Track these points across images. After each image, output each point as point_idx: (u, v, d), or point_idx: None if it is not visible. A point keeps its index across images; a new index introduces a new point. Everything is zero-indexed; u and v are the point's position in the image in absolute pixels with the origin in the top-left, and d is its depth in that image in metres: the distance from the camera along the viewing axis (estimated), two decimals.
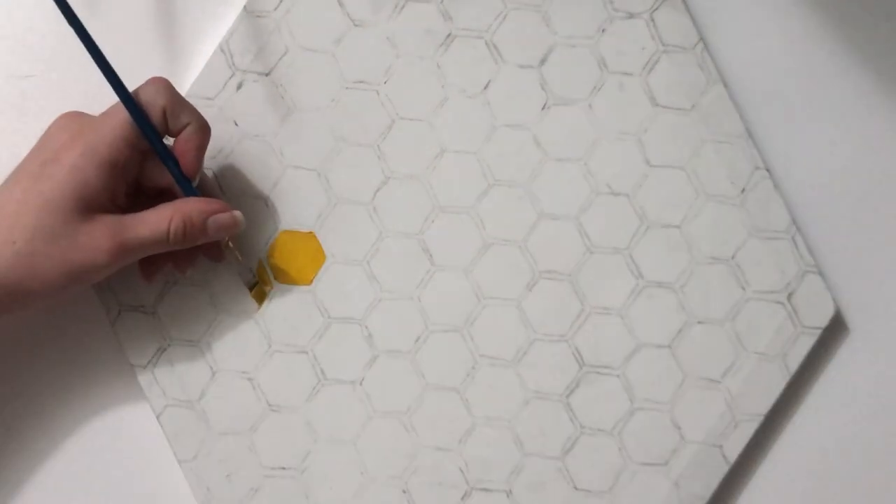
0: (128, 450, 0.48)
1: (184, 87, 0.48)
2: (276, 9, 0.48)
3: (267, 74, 0.48)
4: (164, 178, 0.44)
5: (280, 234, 0.48)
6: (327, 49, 0.48)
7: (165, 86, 0.43)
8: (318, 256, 0.48)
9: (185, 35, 0.49)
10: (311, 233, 0.48)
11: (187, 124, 0.44)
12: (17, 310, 0.42)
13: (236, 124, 0.48)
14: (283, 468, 0.47)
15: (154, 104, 0.43)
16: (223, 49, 0.48)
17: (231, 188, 0.48)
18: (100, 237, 0.41)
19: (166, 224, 0.42)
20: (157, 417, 0.47)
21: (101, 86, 0.49)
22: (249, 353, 0.47)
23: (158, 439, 0.48)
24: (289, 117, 0.48)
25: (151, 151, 0.44)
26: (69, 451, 0.48)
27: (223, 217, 0.44)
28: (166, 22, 0.49)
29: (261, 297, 0.47)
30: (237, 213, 0.45)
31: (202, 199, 0.44)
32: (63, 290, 0.42)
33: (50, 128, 0.43)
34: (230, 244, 0.46)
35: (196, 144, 0.44)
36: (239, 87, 0.48)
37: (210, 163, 0.48)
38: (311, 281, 0.48)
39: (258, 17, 0.48)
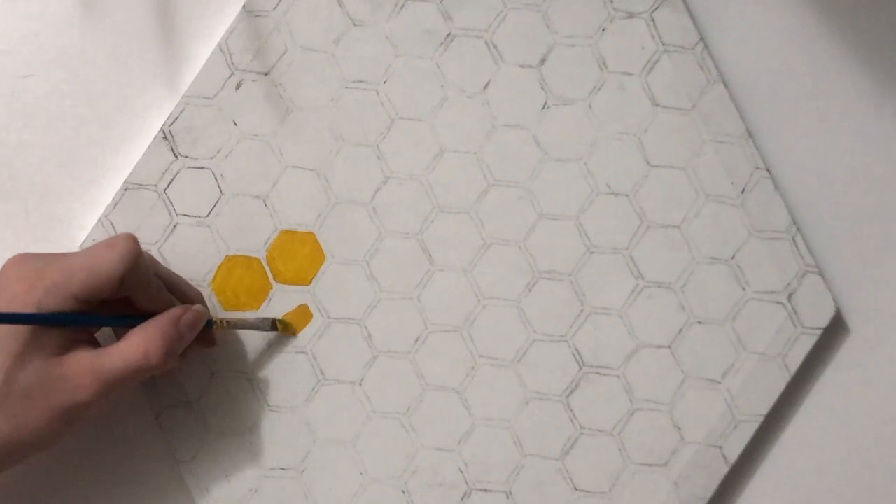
0: (127, 450, 0.48)
1: (182, 87, 0.48)
2: (275, 8, 0.48)
3: (266, 74, 0.48)
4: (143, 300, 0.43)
5: (279, 234, 0.48)
6: (327, 49, 0.48)
7: (127, 252, 0.41)
8: (318, 256, 0.48)
9: (183, 34, 0.49)
10: (310, 233, 0.48)
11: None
12: (13, 464, 0.41)
13: (235, 124, 0.48)
14: (283, 468, 0.47)
15: (113, 277, 0.41)
16: (222, 48, 0.48)
17: (230, 188, 0.48)
18: (79, 375, 0.40)
19: (142, 352, 0.41)
20: (156, 418, 0.47)
21: (101, 86, 0.49)
22: (248, 354, 0.47)
23: (157, 440, 0.48)
24: (288, 117, 0.48)
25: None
26: (69, 450, 0.48)
27: (189, 317, 0.43)
28: (165, 21, 0.49)
29: (290, 327, 0.47)
30: (198, 307, 0.44)
31: (163, 314, 0.42)
32: (57, 435, 0.41)
33: (0, 278, 0.41)
34: (224, 324, 0.46)
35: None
36: (238, 86, 0.48)
37: (209, 162, 0.47)
38: (311, 281, 0.48)
39: (257, 16, 0.48)
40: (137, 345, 0.41)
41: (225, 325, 0.46)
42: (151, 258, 0.45)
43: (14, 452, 0.40)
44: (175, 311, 0.43)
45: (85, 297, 0.41)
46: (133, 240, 0.42)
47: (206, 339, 0.46)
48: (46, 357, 0.40)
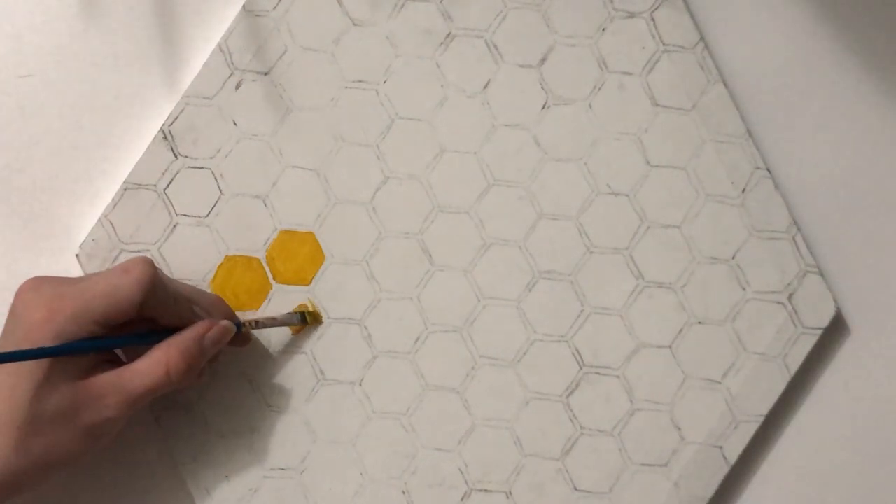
0: (127, 451, 0.48)
1: (182, 87, 0.48)
2: (275, 8, 0.48)
3: (266, 74, 0.48)
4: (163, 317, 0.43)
5: (279, 234, 0.48)
6: (326, 48, 0.48)
7: (144, 276, 0.41)
8: (318, 256, 0.48)
9: (183, 34, 0.49)
10: (310, 233, 0.48)
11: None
12: (43, 482, 0.41)
13: (235, 124, 0.48)
14: (283, 469, 0.47)
15: (132, 303, 0.41)
16: (222, 48, 0.48)
17: (230, 188, 0.48)
18: (104, 396, 0.41)
19: (163, 370, 0.42)
20: (156, 419, 0.47)
21: (101, 86, 0.49)
22: (248, 355, 0.47)
23: (157, 440, 0.48)
24: (288, 117, 0.48)
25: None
26: None
27: (213, 334, 0.43)
28: (165, 21, 0.49)
29: (319, 316, 0.47)
30: (224, 323, 0.44)
31: (186, 330, 0.43)
32: (85, 452, 0.41)
33: (17, 304, 0.41)
34: (253, 325, 0.46)
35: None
36: (238, 86, 0.48)
37: (208, 162, 0.47)
38: (310, 281, 0.48)
39: (257, 16, 0.48)
40: (158, 363, 0.42)
41: (253, 325, 0.45)
42: (166, 277, 0.44)
43: (44, 472, 0.41)
44: (199, 328, 0.43)
45: (105, 322, 0.41)
46: (149, 264, 0.42)
47: (239, 340, 0.46)
48: (72, 381, 0.40)
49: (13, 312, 0.41)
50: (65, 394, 0.40)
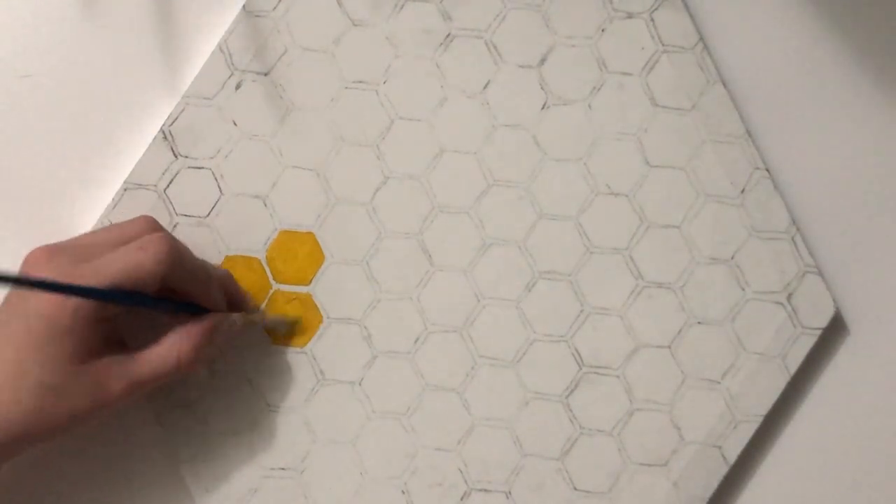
0: (127, 450, 0.48)
1: (182, 87, 0.48)
2: (274, 8, 0.48)
3: (266, 74, 0.48)
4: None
5: (279, 234, 0.48)
6: (326, 49, 0.48)
7: (162, 254, 0.41)
8: (317, 256, 0.48)
9: (183, 34, 0.49)
10: (310, 233, 0.48)
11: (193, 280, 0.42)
12: (20, 453, 0.41)
13: (235, 124, 0.48)
14: (283, 468, 0.47)
15: (148, 278, 0.41)
16: (222, 48, 0.48)
17: (229, 188, 0.48)
18: (107, 381, 0.41)
19: (174, 360, 0.42)
20: (157, 418, 0.47)
21: (101, 86, 0.49)
22: (248, 354, 0.47)
23: (157, 440, 0.48)
24: (288, 117, 0.48)
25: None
26: (69, 450, 0.48)
27: (225, 328, 0.43)
28: (165, 21, 0.49)
29: (302, 333, 0.47)
30: (235, 317, 0.44)
31: (199, 321, 0.42)
32: (83, 425, 0.41)
33: (28, 275, 0.40)
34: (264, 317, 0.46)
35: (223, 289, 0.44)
36: (238, 86, 0.48)
37: (208, 162, 0.48)
38: (310, 281, 0.48)
39: (257, 16, 0.48)
40: (170, 352, 0.42)
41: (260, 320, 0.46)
42: (183, 247, 0.44)
43: (24, 444, 0.40)
44: (212, 320, 0.43)
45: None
46: (166, 241, 0.41)
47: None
48: (72, 359, 0.40)
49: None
50: (62, 370, 0.39)
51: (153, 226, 0.44)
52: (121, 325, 0.43)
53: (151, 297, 0.41)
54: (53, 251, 0.41)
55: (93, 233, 0.44)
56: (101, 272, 0.40)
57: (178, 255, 0.42)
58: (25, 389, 0.39)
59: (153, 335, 0.42)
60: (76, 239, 0.43)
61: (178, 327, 0.42)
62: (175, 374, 0.42)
